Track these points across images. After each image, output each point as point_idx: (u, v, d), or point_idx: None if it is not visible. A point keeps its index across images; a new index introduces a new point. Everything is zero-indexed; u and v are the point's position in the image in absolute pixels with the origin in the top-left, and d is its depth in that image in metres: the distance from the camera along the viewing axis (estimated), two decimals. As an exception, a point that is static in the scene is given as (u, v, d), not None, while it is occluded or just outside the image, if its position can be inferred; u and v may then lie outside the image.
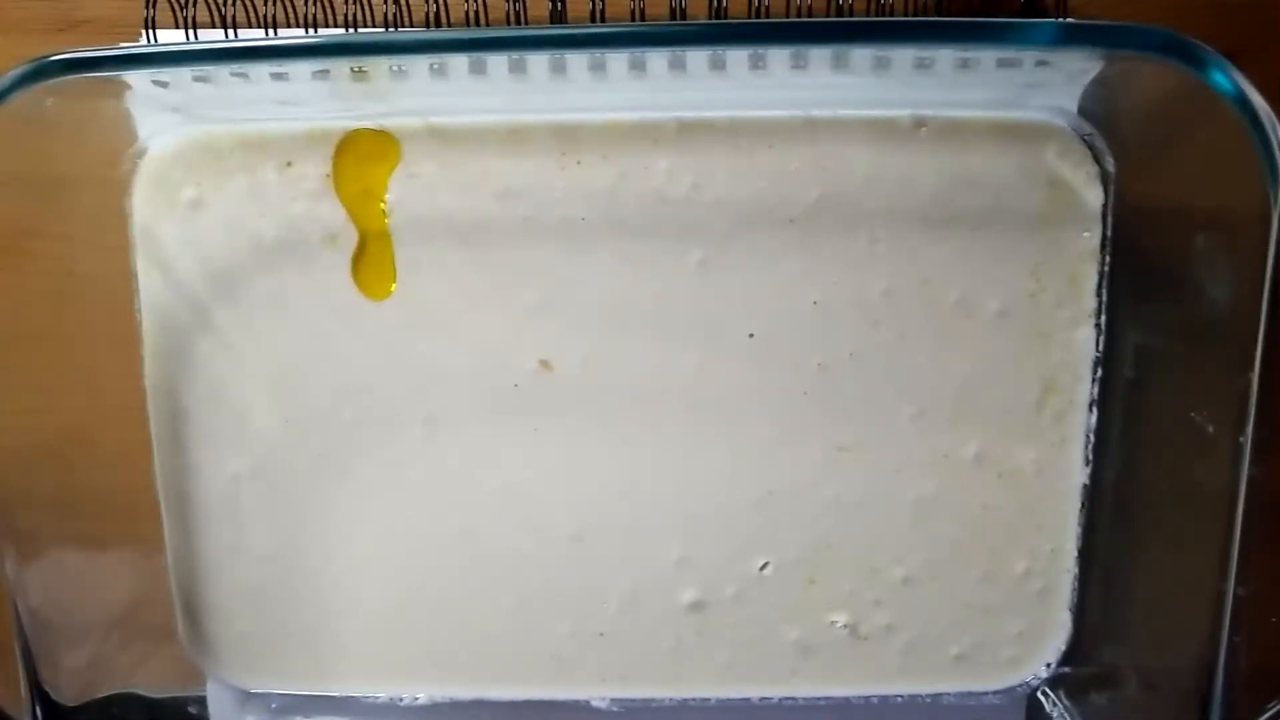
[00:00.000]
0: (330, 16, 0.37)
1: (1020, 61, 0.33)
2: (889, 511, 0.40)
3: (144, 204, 0.39)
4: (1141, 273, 0.37)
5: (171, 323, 0.39)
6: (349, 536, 0.41)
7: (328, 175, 0.38)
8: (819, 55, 0.33)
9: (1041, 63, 0.33)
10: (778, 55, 0.33)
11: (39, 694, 0.35)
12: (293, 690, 0.42)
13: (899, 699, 0.41)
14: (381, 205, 0.38)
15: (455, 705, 0.42)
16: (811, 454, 0.39)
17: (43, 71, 0.31)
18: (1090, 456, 0.39)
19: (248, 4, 0.36)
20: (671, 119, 0.37)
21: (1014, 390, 0.39)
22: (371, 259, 0.39)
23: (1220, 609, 0.31)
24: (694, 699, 0.41)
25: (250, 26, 0.36)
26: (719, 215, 0.38)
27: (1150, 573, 0.37)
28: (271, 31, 0.36)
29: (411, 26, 0.37)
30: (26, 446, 0.36)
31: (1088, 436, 0.39)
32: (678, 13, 0.35)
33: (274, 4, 0.36)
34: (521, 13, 0.36)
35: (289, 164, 0.38)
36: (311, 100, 0.37)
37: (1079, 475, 0.39)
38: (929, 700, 0.41)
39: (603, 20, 0.36)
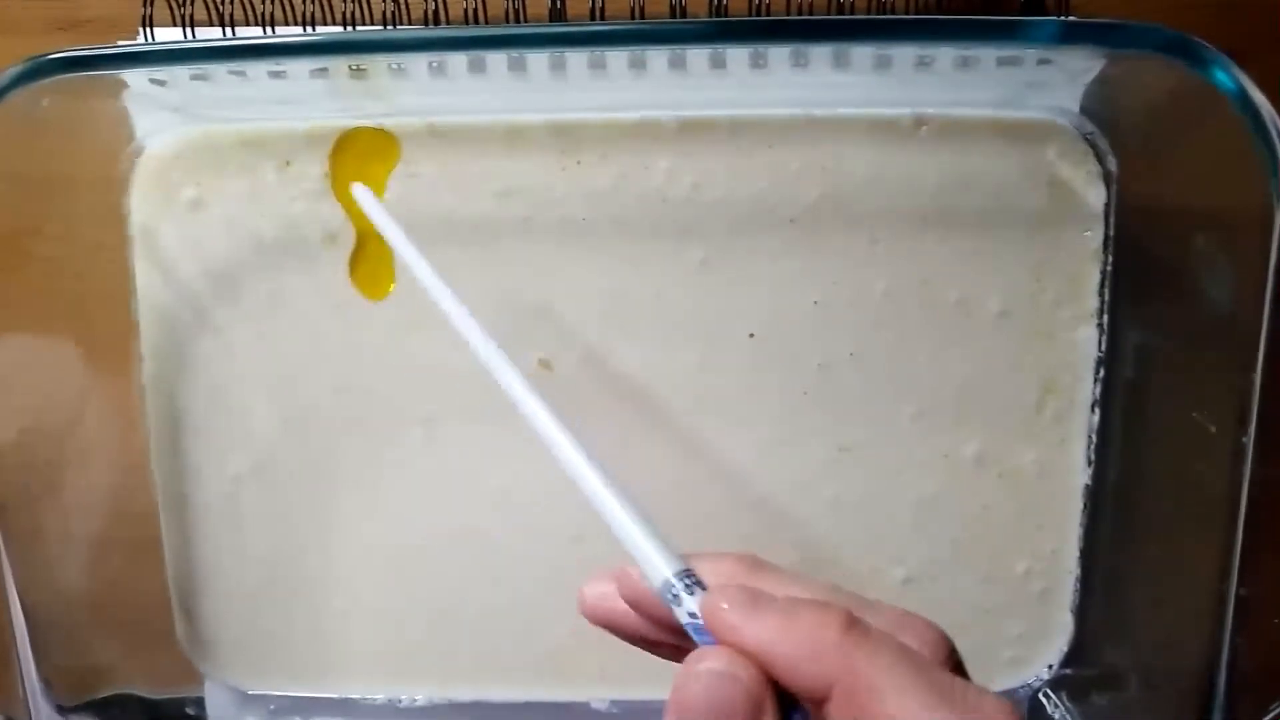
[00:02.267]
0: (329, 14, 0.37)
1: (1022, 60, 0.33)
2: (889, 512, 0.40)
3: (142, 203, 0.38)
4: (1143, 272, 0.37)
5: (170, 323, 0.39)
6: (348, 537, 0.41)
7: (327, 174, 0.38)
8: (820, 53, 0.33)
9: (1043, 61, 0.33)
10: (778, 54, 0.33)
11: (38, 694, 0.35)
12: (291, 692, 0.42)
13: (900, 700, 0.41)
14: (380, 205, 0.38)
15: (454, 706, 0.42)
16: (812, 454, 0.39)
17: (40, 70, 0.31)
18: (1092, 457, 0.39)
19: (245, 2, 0.36)
20: (672, 118, 0.37)
21: (1015, 390, 0.39)
22: (370, 259, 0.39)
23: (1223, 610, 0.31)
24: (694, 700, 0.41)
25: (248, 24, 0.36)
26: (719, 215, 0.38)
27: (1152, 574, 0.37)
28: (270, 30, 0.36)
29: (410, 24, 0.37)
30: (25, 446, 0.36)
31: (1089, 437, 0.39)
32: (678, 11, 0.35)
33: (272, 2, 0.36)
34: (521, 10, 0.36)
35: (288, 163, 0.38)
36: (310, 99, 0.37)
37: (1080, 476, 0.39)
38: (930, 701, 0.41)
39: (602, 18, 0.36)
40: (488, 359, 0.30)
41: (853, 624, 0.21)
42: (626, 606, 0.26)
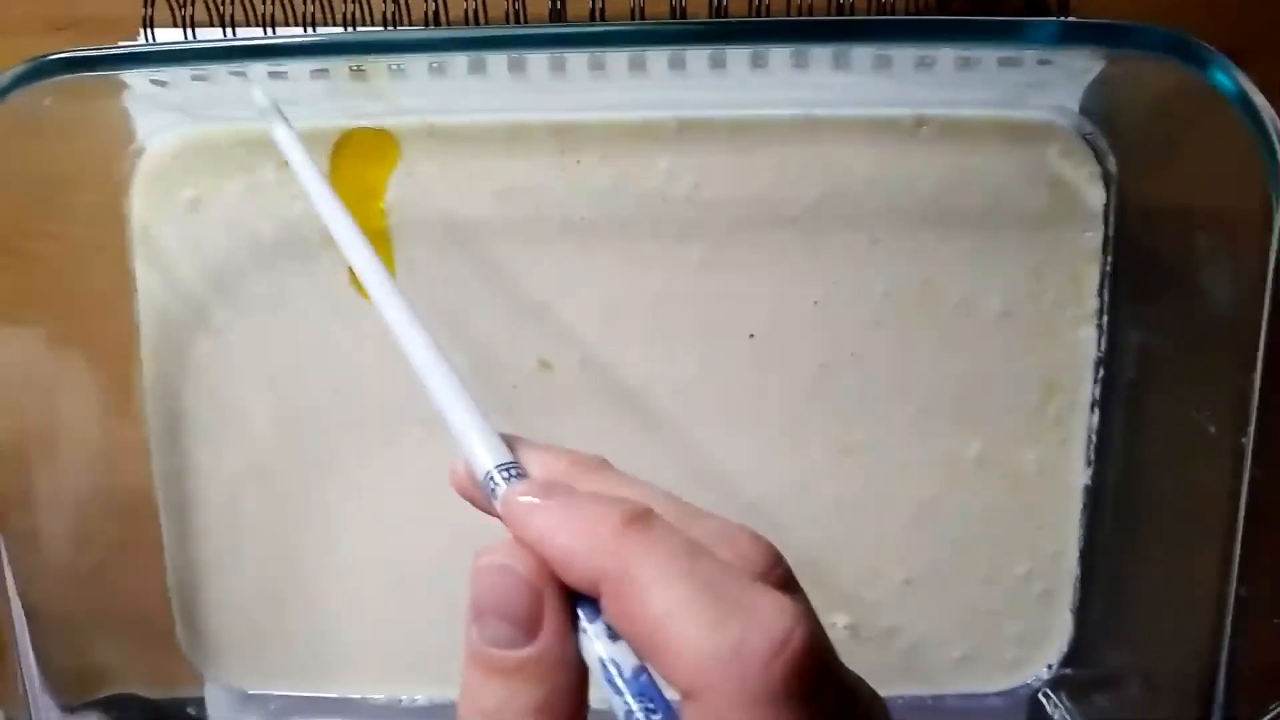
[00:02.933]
0: (329, 15, 0.37)
1: (1022, 60, 0.33)
2: (890, 513, 0.40)
3: (142, 204, 0.38)
4: (1143, 273, 0.37)
5: (169, 323, 0.39)
6: (348, 537, 0.41)
7: (326, 175, 0.38)
8: (820, 54, 0.33)
9: (1043, 61, 0.33)
10: (778, 54, 0.33)
11: (39, 695, 0.35)
12: (291, 692, 0.42)
13: (900, 701, 0.41)
14: (380, 205, 0.38)
15: (455, 707, 0.42)
16: (812, 455, 0.39)
17: (41, 71, 0.31)
18: (1092, 457, 0.39)
19: (246, 3, 0.36)
20: (672, 118, 0.37)
21: (1016, 391, 0.39)
22: (370, 259, 0.39)
23: (1222, 610, 0.31)
24: (694, 701, 0.41)
25: (249, 25, 0.36)
26: (719, 215, 0.38)
27: (1152, 574, 0.37)
28: (270, 30, 0.36)
29: (410, 25, 0.37)
30: (25, 447, 0.36)
31: (1090, 437, 0.39)
32: (678, 11, 0.35)
33: (272, 3, 0.36)
34: (521, 11, 0.36)
35: (287, 164, 0.38)
36: (310, 100, 0.37)
37: (1081, 476, 0.39)
38: (931, 702, 0.41)
39: (602, 19, 0.36)
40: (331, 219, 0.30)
41: (634, 520, 0.20)
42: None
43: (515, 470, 0.23)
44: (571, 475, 0.23)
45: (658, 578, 0.19)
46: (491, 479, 0.23)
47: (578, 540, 0.21)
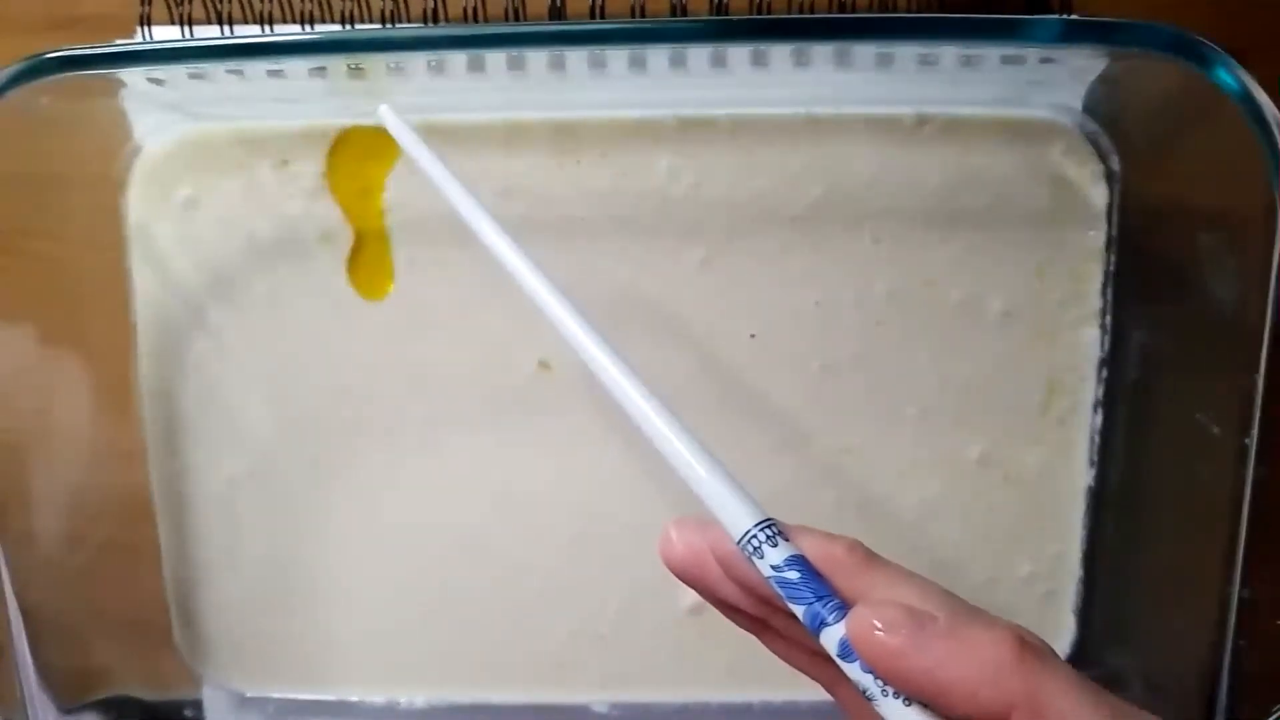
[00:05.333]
0: (327, 12, 0.36)
1: (1024, 58, 0.33)
2: (892, 514, 0.39)
3: (139, 203, 0.38)
4: (1147, 272, 0.37)
5: (166, 323, 0.39)
6: (346, 539, 0.40)
7: (324, 174, 0.38)
8: (821, 52, 0.33)
9: (1046, 60, 0.33)
10: (779, 52, 0.33)
11: (37, 696, 0.35)
12: (289, 694, 0.42)
13: (902, 702, 0.41)
14: (379, 204, 0.38)
15: (453, 709, 0.42)
16: (814, 456, 0.39)
17: (38, 69, 0.31)
18: (1095, 458, 0.39)
19: (243, 0, 0.36)
20: (672, 117, 0.37)
21: (1018, 391, 0.39)
22: (368, 259, 0.38)
23: (1225, 612, 0.31)
24: (694, 703, 0.41)
25: (246, 23, 0.36)
26: (720, 214, 0.38)
27: (1155, 576, 0.37)
28: (268, 28, 0.36)
29: (409, 22, 0.36)
30: (22, 446, 0.36)
31: (1093, 438, 0.39)
32: (678, 9, 0.35)
33: (270, 0, 0.36)
34: (520, 9, 0.36)
35: (285, 162, 0.38)
36: (308, 98, 0.36)
37: (1084, 477, 0.39)
38: (932, 704, 0.41)
39: (602, 16, 0.36)
40: (543, 300, 0.29)
41: (1026, 647, 0.21)
42: (716, 565, 0.24)
43: (774, 528, 0.23)
44: (849, 566, 0.23)
45: (1072, 705, 0.20)
46: (753, 539, 0.23)
47: (981, 672, 0.20)
